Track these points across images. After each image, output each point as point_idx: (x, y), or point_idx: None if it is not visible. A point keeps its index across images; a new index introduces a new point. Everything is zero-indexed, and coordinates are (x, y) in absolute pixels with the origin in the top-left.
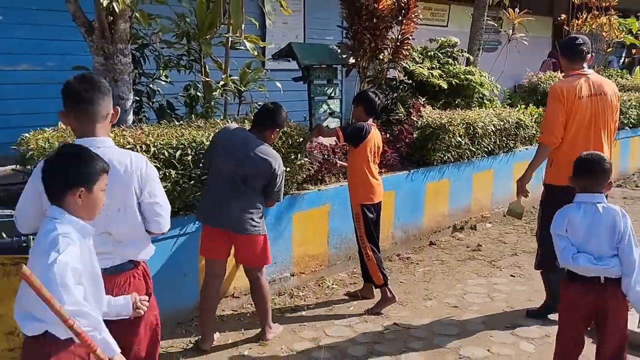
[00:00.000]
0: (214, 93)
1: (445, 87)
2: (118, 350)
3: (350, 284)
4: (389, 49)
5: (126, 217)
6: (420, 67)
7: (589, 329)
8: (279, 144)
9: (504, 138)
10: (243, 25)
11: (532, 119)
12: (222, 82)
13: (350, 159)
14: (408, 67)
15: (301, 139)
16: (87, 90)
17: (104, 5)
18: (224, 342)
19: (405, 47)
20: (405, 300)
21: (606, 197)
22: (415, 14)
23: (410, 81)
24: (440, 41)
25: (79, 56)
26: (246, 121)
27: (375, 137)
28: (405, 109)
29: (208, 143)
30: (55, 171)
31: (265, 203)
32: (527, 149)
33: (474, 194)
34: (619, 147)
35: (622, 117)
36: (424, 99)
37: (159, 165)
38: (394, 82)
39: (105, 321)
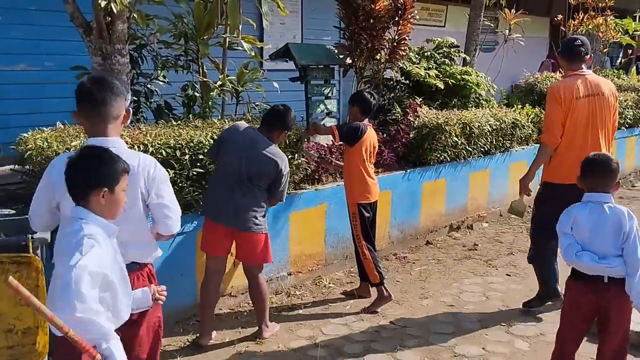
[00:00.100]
0: (211, 93)
1: (442, 87)
2: None
3: (347, 282)
4: (385, 50)
5: (131, 217)
6: (417, 67)
7: (590, 330)
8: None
9: (500, 138)
10: (240, 26)
11: (528, 119)
12: (219, 83)
13: (346, 158)
14: (405, 67)
15: (298, 139)
16: (100, 91)
17: (102, 5)
18: (221, 340)
19: (402, 48)
20: (402, 299)
21: None
22: (412, 14)
23: (407, 81)
24: (437, 41)
25: (77, 56)
26: (244, 121)
27: (371, 136)
28: (402, 109)
29: (208, 142)
30: (79, 172)
31: (269, 202)
32: (523, 149)
33: (471, 194)
34: (616, 147)
35: (618, 117)
36: (420, 99)
37: None
38: (391, 82)
39: None
